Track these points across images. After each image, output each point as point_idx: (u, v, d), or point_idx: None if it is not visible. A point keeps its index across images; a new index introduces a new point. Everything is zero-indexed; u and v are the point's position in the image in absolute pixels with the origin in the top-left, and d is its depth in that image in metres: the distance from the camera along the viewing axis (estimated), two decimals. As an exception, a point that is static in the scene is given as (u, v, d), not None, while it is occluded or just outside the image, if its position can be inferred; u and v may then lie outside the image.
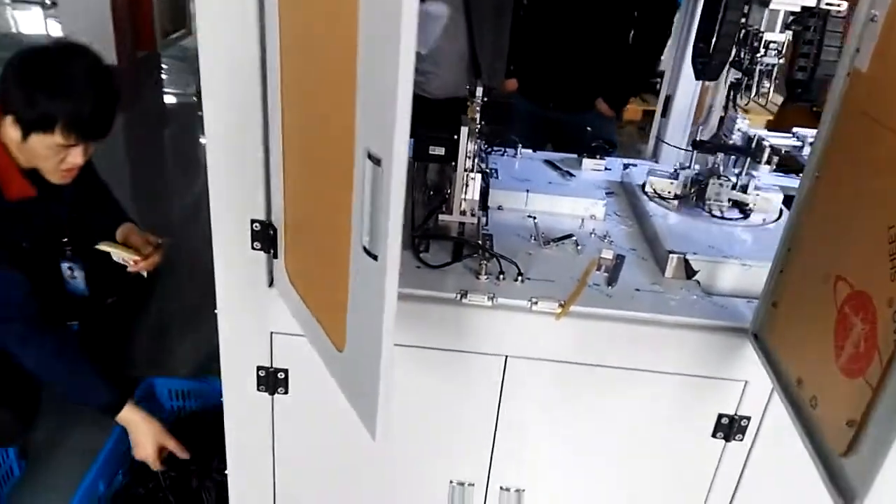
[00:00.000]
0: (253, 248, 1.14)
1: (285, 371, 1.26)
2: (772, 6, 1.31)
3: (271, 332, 1.23)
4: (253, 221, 1.12)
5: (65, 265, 2.00)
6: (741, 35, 1.39)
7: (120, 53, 5.54)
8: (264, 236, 1.13)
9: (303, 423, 1.32)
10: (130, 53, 5.59)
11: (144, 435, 1.74)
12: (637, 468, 1.33)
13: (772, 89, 1.43)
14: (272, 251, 1.13)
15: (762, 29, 1.34)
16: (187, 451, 1.80)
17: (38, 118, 1.57)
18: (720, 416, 1.25)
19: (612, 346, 1.21)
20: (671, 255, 1.28)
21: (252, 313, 1.21)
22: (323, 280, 0.97)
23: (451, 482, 1.36)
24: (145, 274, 1.99)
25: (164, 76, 6.18)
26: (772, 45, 1.35)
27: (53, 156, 1.63)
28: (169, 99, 5.76)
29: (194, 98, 5.56)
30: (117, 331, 2.24)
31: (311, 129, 0.94)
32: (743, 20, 1.37)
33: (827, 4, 1.29)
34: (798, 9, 1.32)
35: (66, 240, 1.97)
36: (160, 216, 3.47)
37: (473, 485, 1.36)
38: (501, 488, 1.36)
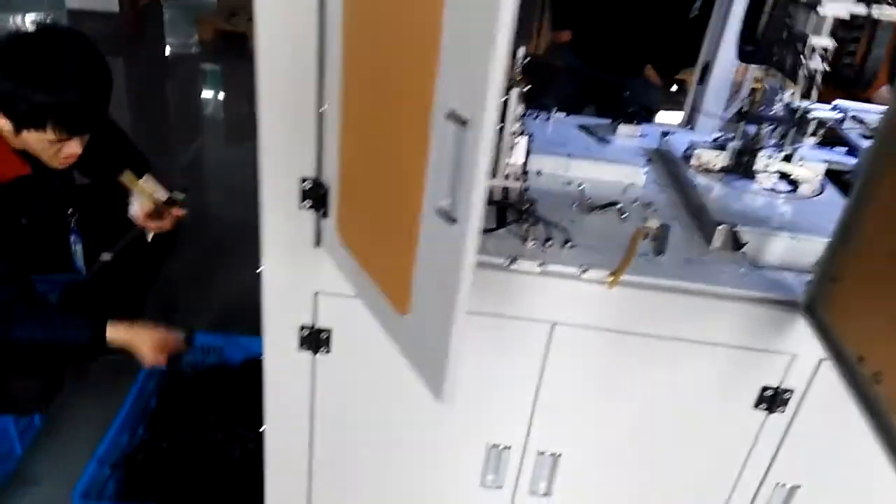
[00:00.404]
0: (301, 206, 1.12)
1: (328, 331, 1.25)
2: (821, 12, 1.26)
3: (316, 292, 1.22)
4: (303, 179, 1.10)
5: (72, 237, 1.93)
6: (786, 35, 1.36)
7: (122, 1, 5.41)
8: (314, 195, 1.10)
9: (344, 383, 1.31)
10: (132, 1, 5.45)
11: (141, 344, 1.72)
12: (675, 437, 1.34)
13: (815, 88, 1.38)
14: (322, 210, 1.11)
15: (808, 32, 1.30)
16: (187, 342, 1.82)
17: (28, 115, 1.50)
18: (764, 388, 1.25)
19: (660, 315, 1.20)
20: (719, 227, 1.27)
21: (297, 272, 1.19)
22: (383, 243, 0.95)
23: (488, 445, 1.37)
24: (149, 237, 1.96)
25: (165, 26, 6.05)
26: (818, 49, 1.31)
27: (49, 148, 1.59)
28: (170, 49, 5.64)
29: (194, 49, 5.45)
30: (127, 288, 2.20)
31: (376, 84, 0.91)
32: (788, 19, 1.34)
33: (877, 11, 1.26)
34: (847, 16, 1.28)
35: (70, 211, 1.89)
36: (162, 170, 3.44)
37: (510, 447, 1.36)
38: (539, 452, 1.36)
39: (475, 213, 0.74)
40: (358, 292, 1.07)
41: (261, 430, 1.85)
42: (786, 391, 1.25)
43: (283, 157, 1.08)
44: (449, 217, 0.77)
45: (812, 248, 1.21)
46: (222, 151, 4.27)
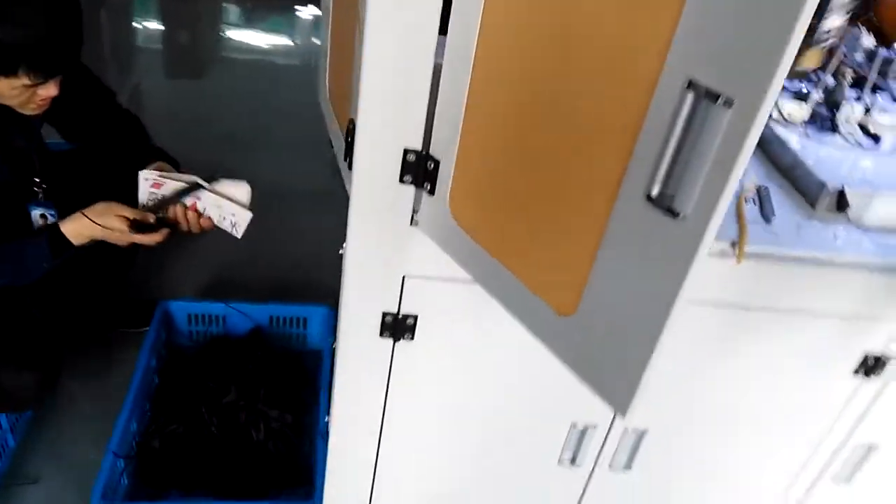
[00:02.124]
0: (402, 181, 0.96)
1: (415, 317, 1.11)
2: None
3: (403, 276, 1.08)
4: (407, 151, 0.94)
5: (35, 211, 1.57)
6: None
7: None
8: (419, 169, 0.95)
9: (423, 370, 1.19)
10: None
11: (100, 221, 1.46)
12: (767, 407, 1.29)
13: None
14: (428, 186, 0.96)
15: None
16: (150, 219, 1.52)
17: None
18: (865, 356, 1.21)
19: (779, 287, 1.13)
20: (826, 187, 1.19)
21: (385, 254, 1.05)
22: (536, 231, 0.82)
23: (572, 424, 1.29)
24: None
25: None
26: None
27: (22, 94, 1.36)
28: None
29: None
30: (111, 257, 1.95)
31: (546, 33, 0.75)
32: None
33: None
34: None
35: (38, 180, 1.58)
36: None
37: (596, 426, 1.29)
38: (625, 429, 1.30)
39: (717, 209, 0.62)
40: (480, 280, 0.94)
41: (291, 412, 1.74)
42: (888, 358, 1.21)
43: (383, 125, 0.92)
44: (669, 209, 0.65)
45: (916, 208, 1.16)
46: (166, 85, 3.90)
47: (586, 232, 0.74)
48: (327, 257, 2.38)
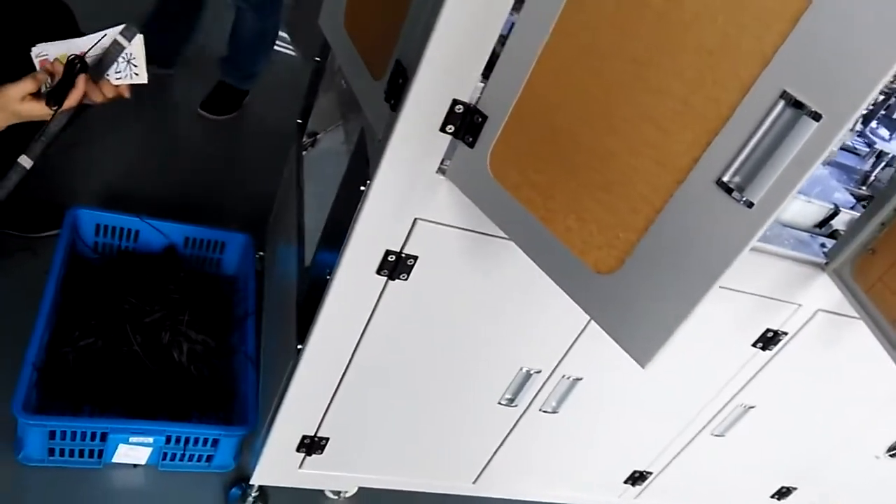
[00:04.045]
0: (444, 129, 1.01)
1: (415, 258, 1.17)
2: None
3: (416, 218, 1.12)
4: (456, 102, 0.99)
5: None
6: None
7: None
8: (466, 121, 1.00)
9: (406, 311, 1.25)
10: None
11: (9, 105, 1.27)
12: (677, 368, 1.50)
13: None
14: (470, 139, 1.01)
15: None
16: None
17: None
18: (766, 331, 1.45)
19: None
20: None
21: (404, 195, 1.09)
22: (589, 195, 0.91)
23: (521, 368, 1.41)
24: None
25: None
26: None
27: None
28: None
29: None
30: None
31: (646, 17, 0.83)
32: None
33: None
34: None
35: None
36: None
37: (540, 371, 1.43)
38: (563, 376, 1.45)
39: (781, 204, 0.75)
40: (511, 233, 1.02)
41: (212, 337, 1.69)
42: (782, 333, 1.46)
43: (443, 72, 0.96)
44: (740, 196, 0.77)
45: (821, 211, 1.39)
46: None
47: (647, 202, 0.85)
48: (244, 186, 2.34)
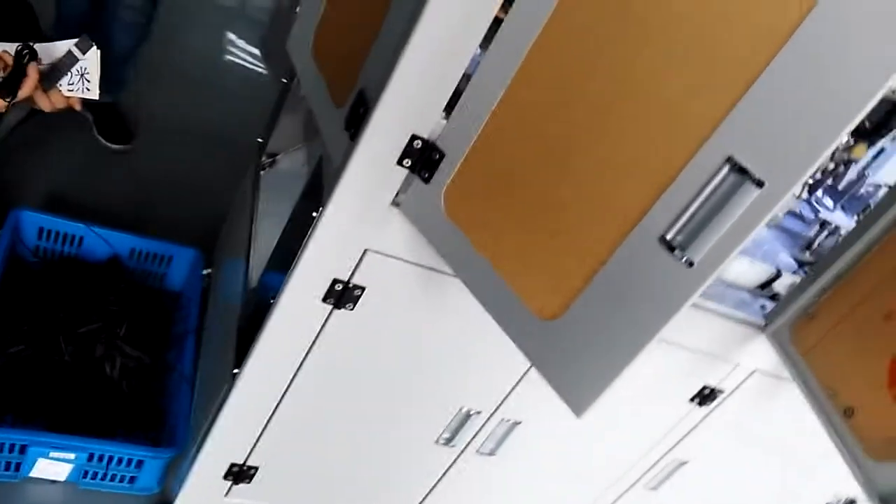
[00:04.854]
0: (400, 163, 1.01)
1: (362, 289, 1.16)
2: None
3: (366, 249, 1.12)
4: (414, 137, 0.99)
5: None
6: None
7: None
8: (423, 157, 1.00)
9: (349, 341, 1.23)
10: None
11: None
12: (615, 419, 1.50)
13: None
14: (426, 175, 1.02)
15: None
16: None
17: None
18: (703, 387, 1.47)
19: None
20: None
21: (356, 224, 1.08)
22: (535, 240, 0.92)
23: (460, 409, 1.40)
24: None
25: None
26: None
27: None
28: None
29: None
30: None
31: (600, 74, 0.85)
32: None
33: None
34: None
35: None
36: None
37: (480, 412, 1.42)
38: (503, 419, 1.44)
39: (721, 265, 0.77)
40: (458, 270, 1.02)
41: (148, 354, 1.63)
42: (720, 391, 1.48)
43: (404, 106, 0.96)
44: (681, 254, 0.79)
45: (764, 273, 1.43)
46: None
47: (592, 252, 0.86)
48: (198, 200, 2.30)
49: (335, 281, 1.14)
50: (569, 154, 0.88)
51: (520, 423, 1.46)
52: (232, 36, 3.33)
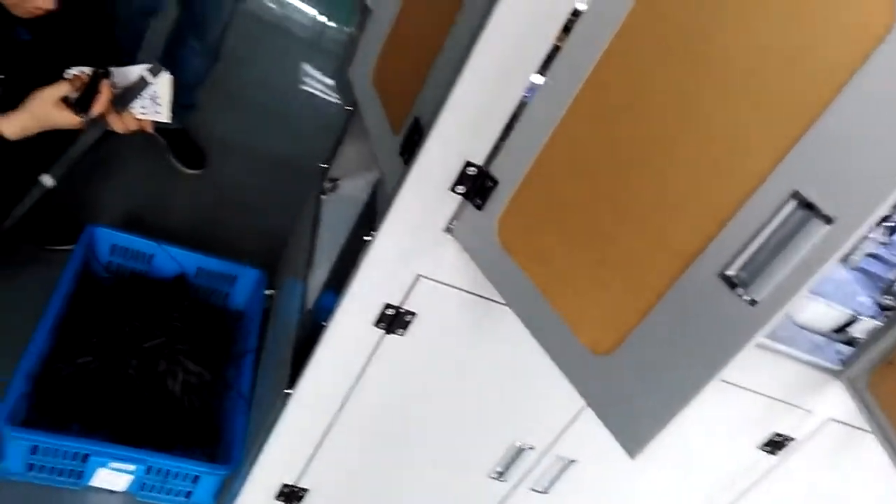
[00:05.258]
0: (454, 189, 1.00)
1: (413, 315, 1.15)
2: None
3: (418, 275, 1.11)
4: (468, 164, 0.98)
5: None
6: None
7: None
8: (477, 184, 0.99)
9: (401, 367, 1.22)
10: None
11: (40, 109, 1.34)
12: (679, 460, 1.43)
13: None
14: (479, 202, 1.00)
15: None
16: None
17: None
18: (776, 434, 1.39)
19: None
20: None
21: (408, 249, 1.08)
22: (591, 273, 0.89)
23: (513, 443, 1.36)
24: None
25: None
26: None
27: None
28: None
29: None
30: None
31: (660, 104, 0.82)
32: None
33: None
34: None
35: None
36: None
37: (534, 448, 1.37)
38: (557, 456, 1.39)
39: (785, 305, 0.72)
40: (510, 301, 0.99)
41: (209, 370, 1.66)
42: (790, 439, 1.39)
43: (458, 133, 0.96)
44: (743, 292, 0.74)
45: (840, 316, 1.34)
46: None
47: (648, 286, 0.82)
48: (264, 223, 2.36)
49: (387, 306, 1.13)
50: (624, 186, 0.85)
51: (575, 461, 1.41)
52: (308, 67, 3.44)
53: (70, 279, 1.69)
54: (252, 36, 3.41)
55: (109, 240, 1.89)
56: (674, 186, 0.80)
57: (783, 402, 1.34)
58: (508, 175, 0.97)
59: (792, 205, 0.70)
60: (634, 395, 0.85)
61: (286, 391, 1.25)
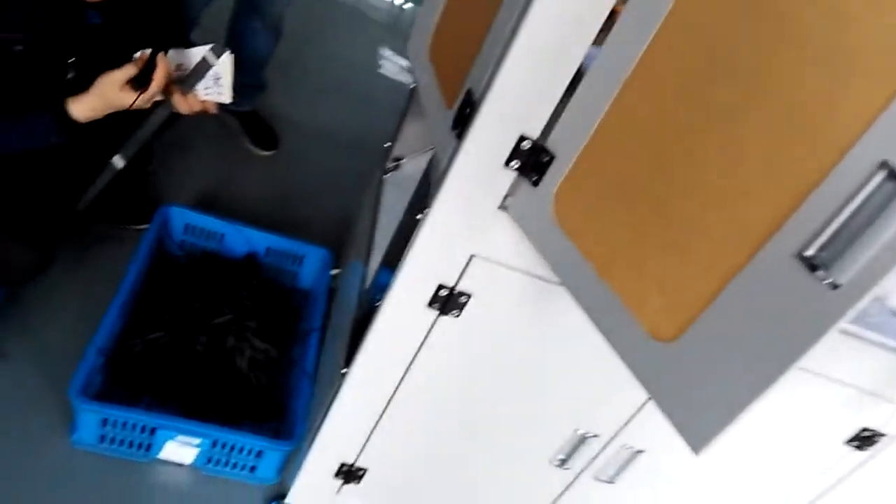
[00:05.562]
0: (507, 164, 0.95)
1: (468, 296, 1.11)
2: None
3: (472, 255, 1.07)
4: (523, 138, 0.93)
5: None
6: None
7: None
8: (532, 159, 0.94)
9: (457, 349, 1.19)
10: None
11: (107, 91, 1.37)
12: (759, 455, 1.34)
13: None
14: (534, 178, 0.95)
15: None
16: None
17: None
18: (862, 430, 1.28)
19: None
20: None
21: (462, 228, 1.03)
22: (653, 254, 0.82)
23: (576, 431, 1.31)
24: None
25: None
26: None
27: None
28: None
29: None
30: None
31: (733, 72, 0.75)
32: None
33: None
34: None
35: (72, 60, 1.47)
36: None
37: (598, 436, 1.32)
38: (623, 445, 1.33)
39: (871, 289, 0.63)
40: (566, 282, 0.94)
41: (275, 348, 1.67)
42: (881, 435, 1.28)
43: (511, 106, 0.90)
44: (824, 275, 0.66)
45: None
46: None
47: (717, 267, 0.75)
48: (333, 203, 2.37)
49: (440, 286, 1.10)
50: (691, 158, 0.78)
51: (643, 451, 1.34)
52: (384, 49, 3.43)
53: (144, 257, 1.74)
54: (329, 19, 3.44)
55: (183, 219, 1.93)
56: (747, 158, 0.73)
57: (873, 394, 1.23)
58: (565, 149, 0.91)
59: (880, 176, 0.62)
60: (700, 387, 0.78)
61: (342, 370, 1.24)
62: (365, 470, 1.42)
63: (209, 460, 1.57)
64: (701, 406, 0.78)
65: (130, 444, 1.52)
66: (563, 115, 0.91)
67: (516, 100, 0.90)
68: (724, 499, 1.44)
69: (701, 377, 0.78)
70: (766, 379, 0.72)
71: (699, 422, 0.78)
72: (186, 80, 1.44)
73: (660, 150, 0.81)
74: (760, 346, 0.72)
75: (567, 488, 1.43)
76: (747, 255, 0.73)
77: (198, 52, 1.43)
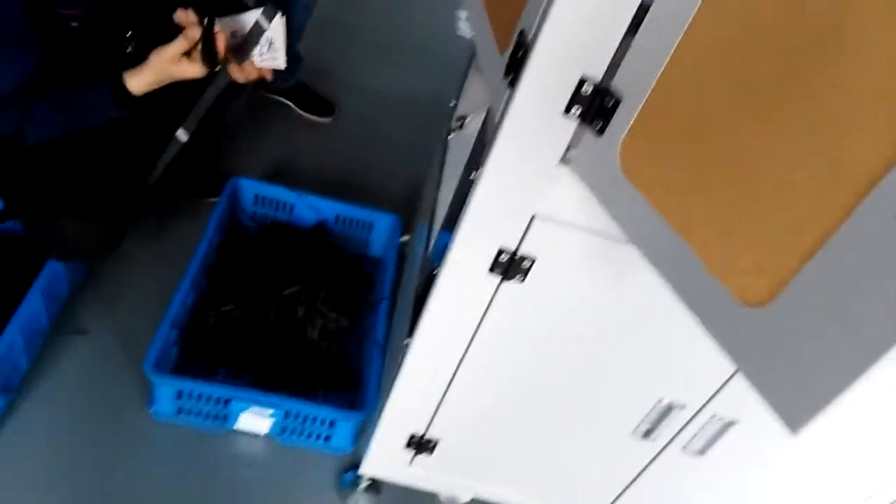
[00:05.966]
0: (567, 111, 0.85)
1: (532, 260, 1.02)
2: None
3: (533, 215, 0.97)
4: (584, 80, 0.82)
5: None
6: None
7: None
8: (595, 104, 0.83)
9: (523, 316, 1.11)
10: None
11: (162, 65, 1.35)
12: (863, 439, 1.20)
13: None
14: (599, 125, 0.84)
15: None
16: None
17: None
18: None
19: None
20: None
21: (520, 186, 0.94)
22: (733, 205, 0.71)
23: (660, 400, 1.21)
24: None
25: None
26: None
27: None
28: None
29: None
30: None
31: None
32: None
33: None
34: None
35: (129, 34, 1.45)
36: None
37: (685, 407, 1.21)
38: (713, 415, 1.22)
39: None
40: (638, 242, 0.83)
41: (346, 317, 1.64)
42: None
43: (567, 44, 0.80)
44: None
45: None
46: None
47: (813, 223, 0.63)
48: (402, 167, 2.31)
49: (500, 251, 1.01)
50: (781, 98, 0.65)
51: (735, 422, 1.23)
52: (458, 11, 3.30)
53: (215, 229, 1.74)
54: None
55: (253, 190, 1.93)
56: (848, 98, 0.60)
57: None
58: (633, 91, 0.80)
59: None
60: (798, 358, 0.67)
61: (406, 340, 1.19)
62: (437, 441, 1.37)
63: (284, 430, 1.56)
64: (800, 380, 0.67)
65: (207, 416, 1.53)
66: (629, 51, 0.79)
67: (574, 38, 0.79)
68: (824, 478, 1.30)
69: (800, 347, 0.66)
70: (877, 350, 0.60)
71: (798, 398, 0.67)
72: (241, 47, 1.40)
73: (744, 88, 0.69)
74: (869, 312, 0.60)
75: (652, 461, 1.33)
76: (848, 210, 0.60)
77: (250, 17, 1.39)
